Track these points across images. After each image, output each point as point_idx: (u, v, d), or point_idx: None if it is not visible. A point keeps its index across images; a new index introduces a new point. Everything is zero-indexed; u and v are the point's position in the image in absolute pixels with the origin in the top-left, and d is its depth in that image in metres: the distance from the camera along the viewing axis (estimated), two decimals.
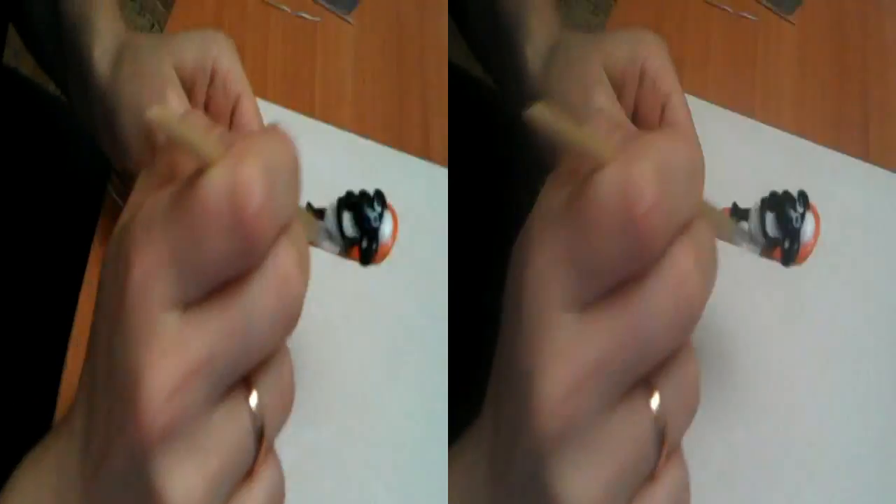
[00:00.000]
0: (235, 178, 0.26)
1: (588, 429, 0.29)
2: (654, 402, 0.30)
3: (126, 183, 0.54)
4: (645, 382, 0.30)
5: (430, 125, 0.67)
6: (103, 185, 0.55)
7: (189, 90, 0.50)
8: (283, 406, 0.31)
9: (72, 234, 0.68)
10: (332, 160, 0.63)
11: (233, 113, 0.50)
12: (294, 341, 0.57)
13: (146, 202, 0.28)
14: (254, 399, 0.29)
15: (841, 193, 0.66)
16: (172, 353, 0.27)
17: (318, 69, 0.67)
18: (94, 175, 0.59)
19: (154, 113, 0.27)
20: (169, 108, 0.24)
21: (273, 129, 0.28)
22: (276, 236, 0.28)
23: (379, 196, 0.48)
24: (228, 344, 0.28)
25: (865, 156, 0.67)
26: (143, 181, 0.32)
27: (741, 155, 0.65)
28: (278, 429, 0.31)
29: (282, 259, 0.28)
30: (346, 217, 0.47)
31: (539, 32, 0.55)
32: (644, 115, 0.52)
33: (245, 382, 0.30)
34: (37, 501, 0.32)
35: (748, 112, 0.67)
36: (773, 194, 0.49)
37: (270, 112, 0.59)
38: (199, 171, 0.26)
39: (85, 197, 0.69)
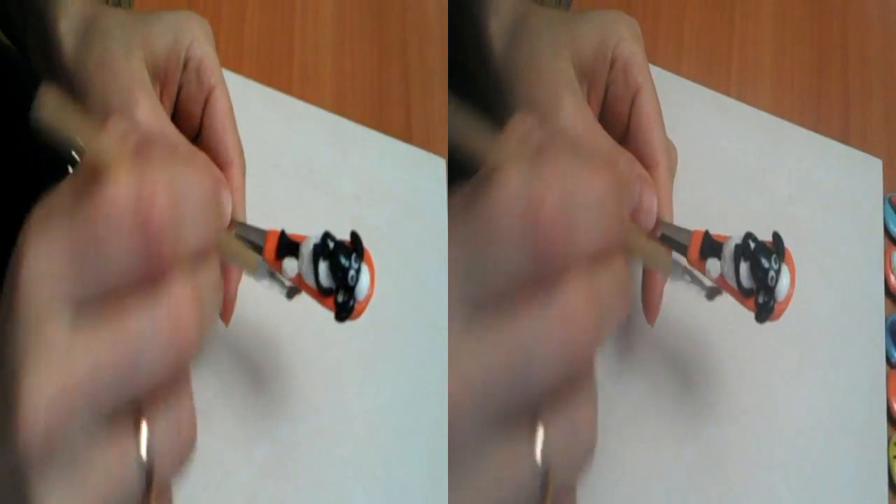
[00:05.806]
0: (142, 185, 0.25)
1: (71, 451, 0.26)
2: (539, 436, 0.27)
3: None
4: (531, 415, 0.27)
5: (412, 101, 0.67)
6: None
7: (162, 79, 0.50)
8: (180, 448, 0.28)
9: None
10: (309, 142, 0.62)
11: (205, 103, 0.50)
12: (273, 333, 0.56)
13: (50, 194, 0.27)
14: (144, 432, 0.27)
15: (820, 177, 0.64)
16: (57, 361, 0.25)
17: (297, 41, 0.66)
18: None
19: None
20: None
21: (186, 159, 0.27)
22: (178, 258, 0.26)
23: (356, 246, 0.47)
24: (114, 360, 0.26)
25: (846, 138, 0.67)
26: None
27: (717, 134, 0.64)
28: (173, 473, 0.28)
29: (176, 297, 0.27)
30: (322, 266, 0.45)
31: (505, 1, 0.53)
32: (613, 104, 0.52)
33: (137, 418, 0.27)
34: None
35: (724, 89, 0.66)
36: (748, 239, 0.45)
37: (247, 90, 0.58)
38: (103, 170, 0.26)
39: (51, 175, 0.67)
